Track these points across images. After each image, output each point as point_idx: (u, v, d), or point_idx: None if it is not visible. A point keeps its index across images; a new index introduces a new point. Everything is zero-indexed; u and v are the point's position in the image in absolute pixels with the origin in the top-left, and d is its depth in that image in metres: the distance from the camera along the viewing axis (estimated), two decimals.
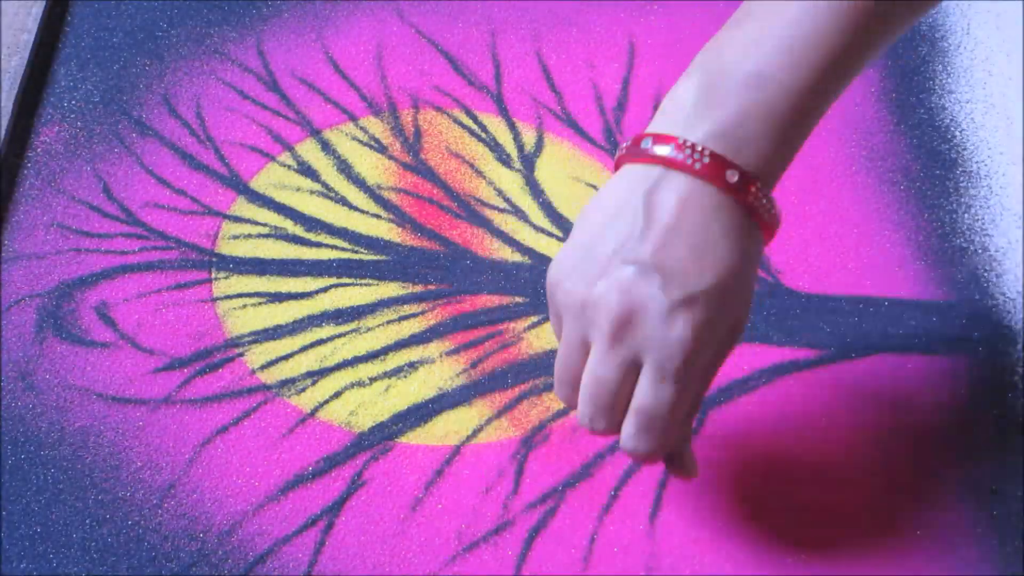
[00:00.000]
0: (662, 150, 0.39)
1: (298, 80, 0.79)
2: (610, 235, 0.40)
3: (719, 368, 0.44)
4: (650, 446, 0.44)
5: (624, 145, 0.43)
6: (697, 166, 0.38)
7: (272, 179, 0.74)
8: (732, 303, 0.40)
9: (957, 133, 0.76)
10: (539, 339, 0.67)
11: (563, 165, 0.74)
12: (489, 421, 0.63)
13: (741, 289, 0.41)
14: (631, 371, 0.41)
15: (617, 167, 0.42)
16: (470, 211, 0.72)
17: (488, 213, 0.72)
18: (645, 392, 0.42)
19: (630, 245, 0.39)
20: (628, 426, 0.43)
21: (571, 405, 0.46)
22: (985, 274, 0.69)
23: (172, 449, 0.62)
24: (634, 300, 0.39)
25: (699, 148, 0.39)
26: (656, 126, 0.41)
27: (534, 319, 0.68)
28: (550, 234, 0.71)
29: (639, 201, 0.39)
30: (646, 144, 0.41)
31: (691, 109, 0.40)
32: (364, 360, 0.66)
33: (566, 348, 0.43)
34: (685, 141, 0.39)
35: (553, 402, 0.64)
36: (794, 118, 0.39)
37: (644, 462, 0.45)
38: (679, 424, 0.43)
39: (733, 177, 0.39)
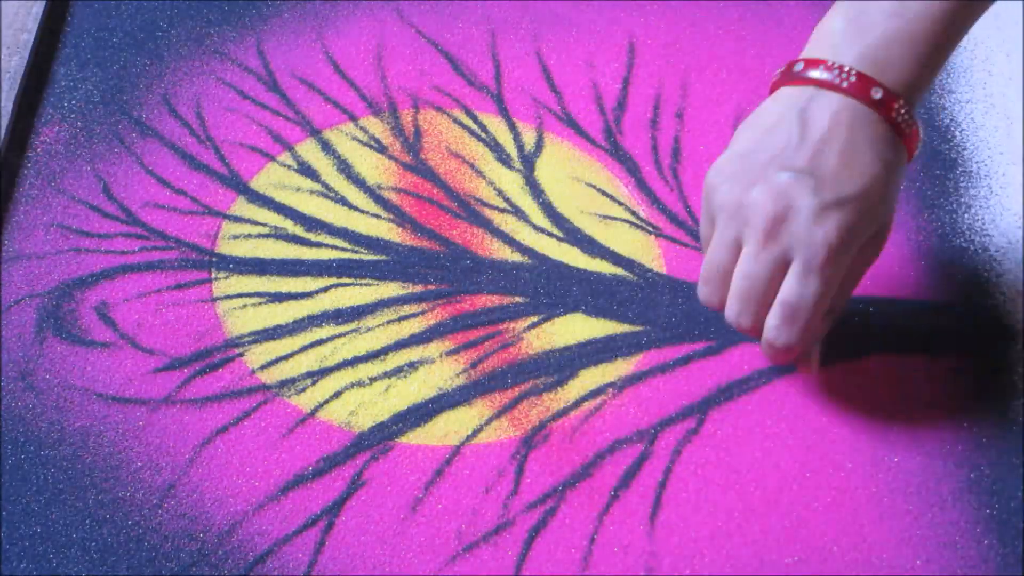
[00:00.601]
0: (813, 72, 0.44)
1: (298, 80, 0.79)
2: (767, 146, 0.44)
3: (863, 274, 0.49)
4: (791, 337, 0.46)
5: (778, 71, 0.48)
6: (845, 84, 0.43)
7: (272, 179, 0.74)
8: (877, 209, 0.45)
9: (957, 133, 0.76)
10: (539, 339, 0.67)
11: (563, 165, 0.74)
12: (489, 421, 0.63)
13: (886, 197, 0.45)
14: (780, 269, 0.45)
15: (772, 91, 0.47)
16: (470, 211, 0.72)
17: (488, 213, 0.72)
18: (791, 286, 0.45)
19: (786, 154, 0.43)
20: (772, 318, 0.46)
21: (710, 303, 0.50)
22: (985, 274, 0.69)
23: (172, 449, 0.62)
24: (788, 202, 0.43)
25: (846, 69, 0.43)
26: (807, 52, 0.46)
27: (534, 319, 0.68)
28: (550, 234, 0.71)
29: (794, 117, 0.44)
30: (798, 68, 0.46)
31: (839, 36, 0.44)
32: (364, 360, 0.66)
33: (718, 248, 0.47)
34: (834, 63, 0.44)
35: (553, 402, 0.64)
36: (934, 41, 0.43)
37: (783, 356, 0.48)
38: (819, 320, 0.47)
39: (877, 94, 0.43)
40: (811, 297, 0.44)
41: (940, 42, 0.44)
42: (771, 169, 0.43)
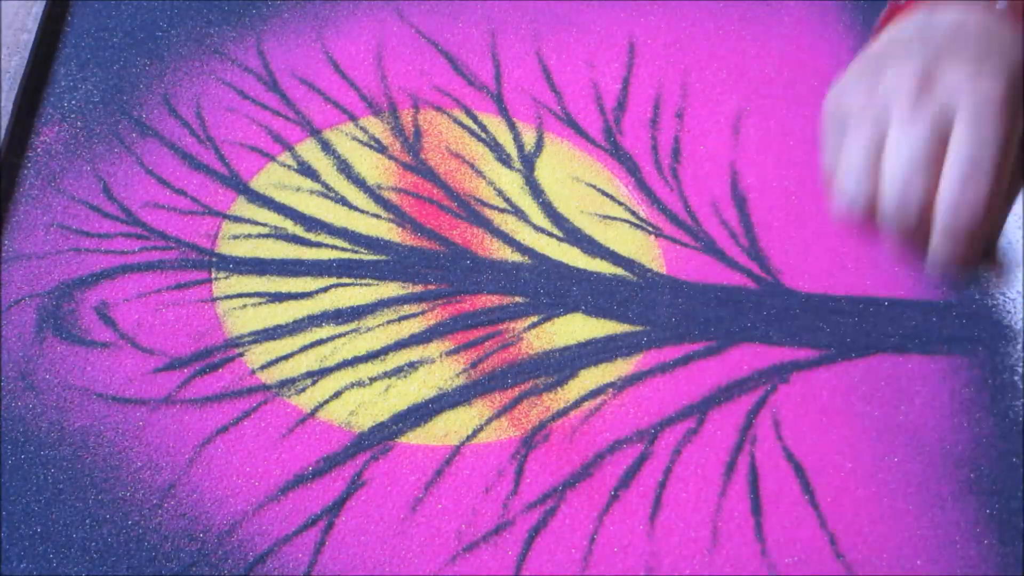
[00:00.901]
0: None
1: (298, 80, 0.79)
2: (893, 51, 0.42)
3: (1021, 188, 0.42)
4: (978, 194, 0.38)
5: (881, 17, 0.45)
6: None
7: (272, 179, 0.74)
8: (1018, 104, 0.40)
9: None
10: (539, 339, 0.67)
11: (563, 165, 0.74)
12: (489, 421, 0.63)
13: (1019, 95, 0.41)
14: (942, 132, 0.39)
15: (881, 28, 0.44)
16: (470, 211, 0.72)
17: (488, 213, 0.72)
18: (965, 136, 0.39)
19: (917, 41, 0.41)
20: (950, 180, 0.38)
21: (855, 200, 0.39)
22: (985, 274, 0.69)
23: (172, 449, 0.62)
24: (936, 63, 0.40)
25: None
26: None
27: (534, 319, 0.68)
28: (550, 234, 0.71)
29: (918, 27, 0.41)
30: None
31: None
32: (364, 360, 0.66)
33: (855, 147, 0.40)
34: None
35: (553, 402, 0.64)
36: None
37: (963, 242, 0.38)
38: (1001, 183, 0.38)
39: (1001, 4, 0.41)
40: (991, 141, 0.36)
41: None
42: (901, 55, 0.39)
